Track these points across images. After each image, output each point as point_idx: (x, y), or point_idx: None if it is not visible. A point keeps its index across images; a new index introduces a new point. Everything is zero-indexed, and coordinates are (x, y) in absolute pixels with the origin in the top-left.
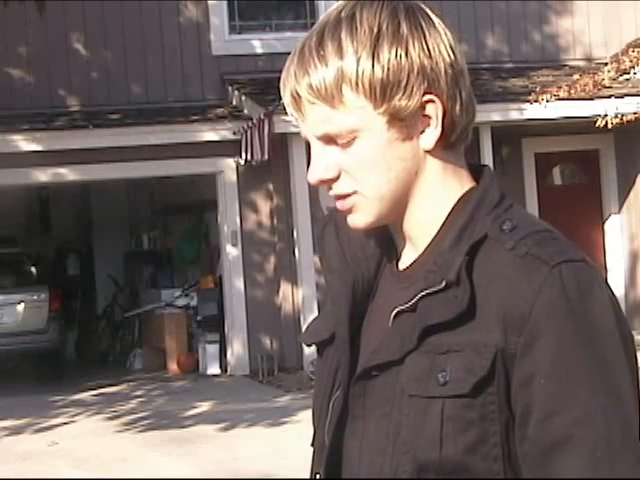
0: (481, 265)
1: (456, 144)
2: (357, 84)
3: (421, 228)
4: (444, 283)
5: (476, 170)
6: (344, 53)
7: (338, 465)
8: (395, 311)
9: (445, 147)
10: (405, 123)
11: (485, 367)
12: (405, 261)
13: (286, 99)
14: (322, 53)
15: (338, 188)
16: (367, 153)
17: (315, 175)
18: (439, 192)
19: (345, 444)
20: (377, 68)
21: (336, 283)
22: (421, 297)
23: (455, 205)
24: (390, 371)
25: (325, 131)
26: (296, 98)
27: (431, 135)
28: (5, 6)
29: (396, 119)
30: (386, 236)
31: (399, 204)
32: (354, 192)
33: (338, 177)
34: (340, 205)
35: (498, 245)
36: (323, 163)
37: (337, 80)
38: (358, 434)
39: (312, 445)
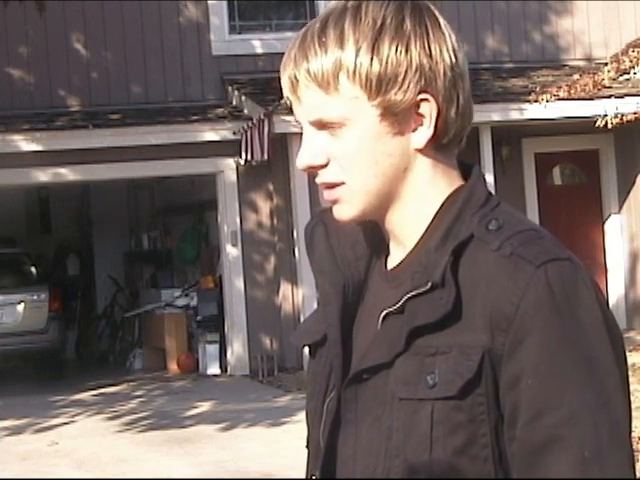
0: (467, 265)
1: (448, 146)
2: (354, 74)
3: (409, 227)
4: (429, 284)
5: (465, 169)
6: (345, 42)
7: (333, 467)
8: (383, 313)
9: (437, 148)
10: (398, 118)
11: (472, 369)
12: (394, 260)
13: (284, 81)
14: (323, 40)
15: (325, 176)
16: (356, 143)
17: (303, 160)
18: (427, 191)
19: (339, 448)
20: (375, 61)
21: (326, 285)
22: (408, 299)
23: (442, 204)
24: (381, 374)
25: (318, 117)
26: (293, 81)
27: (423, 134)
28: (5, 6)
29: (389, 113)
30: (376, 236)
31: (386, 200)
32: (341, 183)
33: (326, 165)
34: (327, 195)
35: (484, 245)
36: (312, 149)
37: (335, 68)
38: (351, 438)
39: (307, 447)
